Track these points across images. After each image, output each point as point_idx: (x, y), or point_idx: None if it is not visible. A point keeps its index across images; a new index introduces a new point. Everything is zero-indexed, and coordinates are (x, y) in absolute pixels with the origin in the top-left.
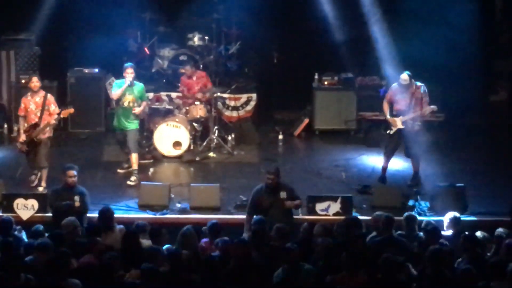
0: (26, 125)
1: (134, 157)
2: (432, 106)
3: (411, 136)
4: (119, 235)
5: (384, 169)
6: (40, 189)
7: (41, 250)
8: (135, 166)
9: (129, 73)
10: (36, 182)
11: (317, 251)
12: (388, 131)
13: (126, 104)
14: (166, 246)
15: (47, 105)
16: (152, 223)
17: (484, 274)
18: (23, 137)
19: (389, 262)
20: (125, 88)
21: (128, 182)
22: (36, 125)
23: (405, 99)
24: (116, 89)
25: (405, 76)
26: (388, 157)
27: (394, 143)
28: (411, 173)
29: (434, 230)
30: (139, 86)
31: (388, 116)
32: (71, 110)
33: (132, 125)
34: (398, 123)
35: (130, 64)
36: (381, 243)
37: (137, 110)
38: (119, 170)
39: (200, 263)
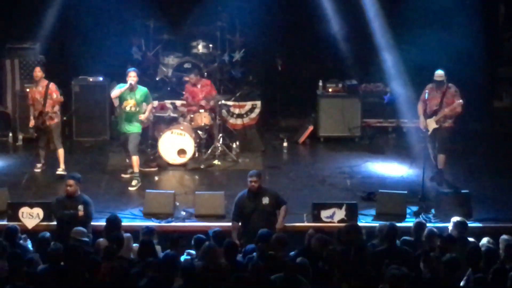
0: (36, 113)
1: (134, 160)
2: (459, 101)
3: (441, 133)
4: (126, 243)
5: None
6: (59, 170)
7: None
8: (136, 169)
9: (131, 76)
10: (41, 167)
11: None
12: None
13: (128, 108)
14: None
15: (49, 94)
16: (170, 231)
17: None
18: (32, 123)
19: (395, 275)
20: (124, 90)
21: (130, 188)
22: (41, 113)
23: (436, 98)
24: (116, 90)
25: (440, 72)
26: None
27: (432, 143)
28: (414, 181)
29: (449, 237)
30: (141, 90)
31: (422, 118)
32: (61, 99)
33: (134, 128)
34: (432, 124)
35: (133, 69)
36: (384, 252)
37: (143, 116)
38: (123, 175)
39: (222, 278)
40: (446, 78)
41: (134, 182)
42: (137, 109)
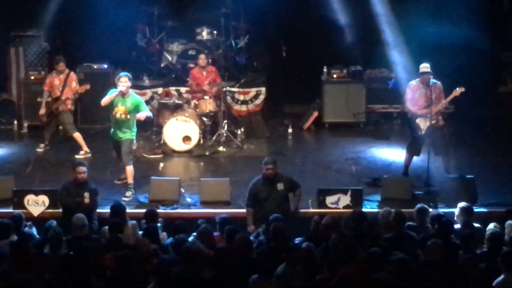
0: (50, 99)
1: (128, 170)
2: (459, 88)
3: (439, 132)
4: (131, 230)
5: (407, 166)
6: (82, 152)
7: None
8: (130, 180)
9: (123, 81)
10: (44, 147)
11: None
12: (419, 133)
13: (118, 115)
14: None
15: (69, 81)
16: (176, 218)
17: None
18: (43, 111)
19: (401, 263)
20: (114, 96)
21: (123, 198)
22: (57, 99)
23: (426, 94)
24: (106, 96)
25: (426, 64)
26: (412, 156)
27: (422, 143)
28: (420, 166)
29: (446, 223)
30: (134, 98)
31: (425, 110)
32: (87, 86)
33: (126, 135)
34: (425, 122)
35: (125, 73)
36: (392, 239)
37: (138, 115)
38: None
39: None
40: (432, 72)
41: (128, 193)
42: (128, 117)
